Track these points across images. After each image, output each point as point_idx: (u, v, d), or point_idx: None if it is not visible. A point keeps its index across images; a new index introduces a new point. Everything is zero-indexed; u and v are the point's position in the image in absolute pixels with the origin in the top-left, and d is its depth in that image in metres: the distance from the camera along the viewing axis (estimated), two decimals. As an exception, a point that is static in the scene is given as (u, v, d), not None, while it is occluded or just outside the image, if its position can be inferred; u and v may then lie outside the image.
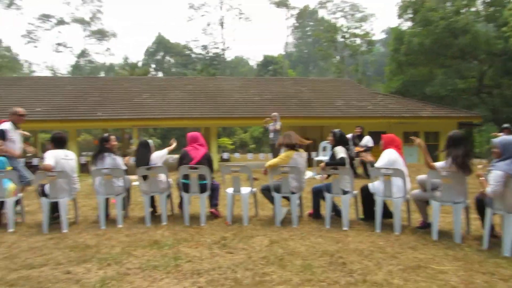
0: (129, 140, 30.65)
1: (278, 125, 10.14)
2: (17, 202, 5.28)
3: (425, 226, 4.73)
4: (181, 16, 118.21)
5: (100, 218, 5.08)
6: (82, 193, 7.30)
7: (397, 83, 24.29)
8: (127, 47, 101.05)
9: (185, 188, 5.16)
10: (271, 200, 5.19)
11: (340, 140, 5.24)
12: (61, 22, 55.50)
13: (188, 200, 5.18)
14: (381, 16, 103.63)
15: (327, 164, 4.95)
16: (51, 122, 14.81)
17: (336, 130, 5.29)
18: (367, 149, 9.59)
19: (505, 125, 10.70)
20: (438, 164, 4.35)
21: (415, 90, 23.83)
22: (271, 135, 10.20)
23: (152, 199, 5.53)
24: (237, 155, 19.88)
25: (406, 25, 25.15)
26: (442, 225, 4.86)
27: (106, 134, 5.46)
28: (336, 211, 5.25)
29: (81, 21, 56.19)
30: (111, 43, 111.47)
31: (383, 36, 71.18)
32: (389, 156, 4.65)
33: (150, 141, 5.60)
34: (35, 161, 9.78)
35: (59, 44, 57.63)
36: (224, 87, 20.31)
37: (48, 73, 54.47)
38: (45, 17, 54.61)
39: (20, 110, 6.23)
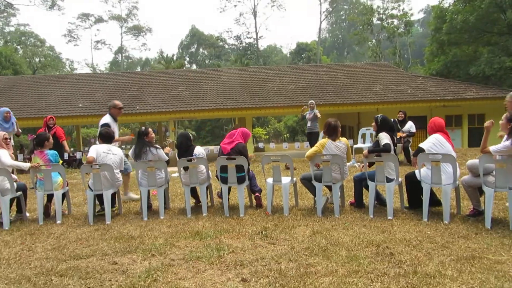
0: (165, 133, 31.44)
1: (317, 113, 9.93)
2: (64, 195, 5.48)
3: (476, 214, 4.45)
4: (214, 7, 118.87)
5: (142, 209, 5.18)
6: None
7: (439, 64, 23.11)
8: (162, 41, 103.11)
9: (223, 179, 5.15)
10: (312, 189, 5.07)
11: (383, 126, 5.00)
12: (99, 20, 57.34)
13: (227, 191, 5.16)
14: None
15: (370, 151, 4.75)
16: (92, 117, 15.36)
17: (379, 115, 5.06)
18: (410, 135, 9.28)
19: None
20: (493, 147, 4.03)
21: (458, 71, 22.62)
22: (309, 124, 10.01)
23: (194, 191, 5.57)
24: (272, 145, 19.78)
25: (448, 2, 23.85)
26: (495, 212, 4.56)
27: (143, 128, 5.53)
28: (380, 200, 5.06)
29: (118, 18, 57.65)
30: (147, 38, 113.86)
31: (421, 16, 68.32)
32: (437, 141, 4.39)
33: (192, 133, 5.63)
34: (78, 155, 10.18)
35: (98, 42, 59.67)
36: (258, 77, 20.23)
37: (88, 70, 56.69)
38: (84, 16, 56.64)
39: (118, 103, 6.33)
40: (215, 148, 12.79)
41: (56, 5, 44.25)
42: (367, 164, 4.93)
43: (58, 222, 5.10)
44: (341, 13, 72.96)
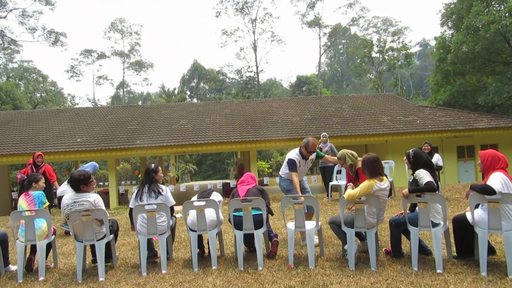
0: (167, 168, 30.72)
1: (329, 147, 9.29)
2: (49, 246, 4.70)
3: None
4: (215, 43, 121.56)
5: (141, 263, 4.38)
6: (121, 229, 6.69)
7: (445, 94, 22.72)
8: (164, 76, 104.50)
9: (237, 224, 4.41)
10: (342, 236, 4.31)
11: (417, 162, 4.24)
12: (101, 56, 57.99)
13: (242, 239, 4.40)
14: (414, 29, 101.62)
15: (411, 190, 4.01)
16: (91, 152, 14.71)
17: (410, 150, 4.35)
18: (438, 168, 8.40)
19: None
20: None
21: (465, 100, 22.21)
22: (323, 157, 9.30)
23: (200, 238, 4.80)
24: (278, 180, 19.00)
25: (450, 33, 23.77)
26: None
27: (152, 165, 4.82)
28: (421, 248, 4.28)
29: (120, 54, 58.37)
30: (148, 73, 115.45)
31: (417, 49, 69.35)
32: (503, 181, 3.66)
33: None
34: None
35: (100, 77, 60.04)
36: (261, 109, 19.77)
37: (89, 105, 56.70)
38: (87, 52, 57.34)
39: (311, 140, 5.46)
40: (218, 183, 12.07)
41: (59, 41, 44.57)
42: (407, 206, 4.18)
43: (41, 278, 4.31)
44: (339, 47, 74.22)
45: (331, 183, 9.36)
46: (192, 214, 4.51)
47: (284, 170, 5.68)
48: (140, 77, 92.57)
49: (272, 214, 4.81)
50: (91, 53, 57.51)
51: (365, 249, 4.38)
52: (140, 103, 64.67)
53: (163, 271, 4.31)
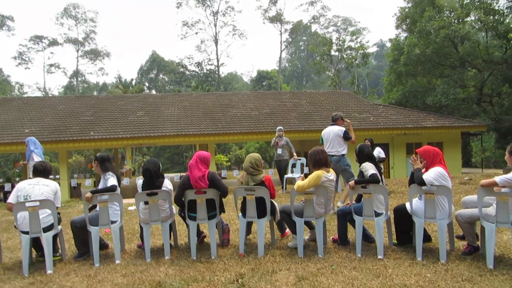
0: (122, 161, 29.84)
1: (285, 141, 9.54)
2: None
3: (472, 251, 4.04)
4: (175, 34, 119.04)
5: (93, 255, 4.32)
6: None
7: (397, 94, 23.87)
8: (121, 66, 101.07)
9: (191, 215, 4.46)
10: (291, 225, 4.48)
11: (361, 155, 4.70)
12: (53, 43, 54.99)
13: (195, 229, 4.46)
14: (372, 30, 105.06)
15: (357, 182, 4.27)
16: (41, 143, 14.04)
17: (361, 144, 4.65)
18: (380, 160, 9.11)
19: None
20: (502, 178, 3.57)
21: (415, 100, 23.46)
22: (279, 151, 9.52)
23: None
24: (235, 172, 19.14)
25: (404, 35, 24.93)
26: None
27: (105, 154, 4.80)
28: (364, 235, 4.55)
29: (74, 41, 55.71)
30: (105, 63, 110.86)
31: (374, 49, 71.93)
32: (439, 172, 3.97)
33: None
34: (7, 187, 9.03)
35: (51, 65, 56.95)
36: (221, 103, 19.75)
37: (39, 94, 53.77)
38: (37, 39, 54.16)
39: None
40: (175, 176, 11.95)
41: (5, 25, 41.85)
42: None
43: (-17, 272, 4.14)
44: (300, 43, 75.30)
45: (286, 176, 9.66)
46: (143, 206, 4.48)
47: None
48: (96, 66, 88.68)
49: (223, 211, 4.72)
50: (41, 39, 54.32)
51: (314, 238, 4.59)
52: (95, 93, 62.20)
53: (117, 261, 4.29)
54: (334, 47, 41.56)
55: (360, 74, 47.01)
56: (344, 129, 6.68)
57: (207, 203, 4.36)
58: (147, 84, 65.18)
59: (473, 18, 20.44)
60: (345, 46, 40.82)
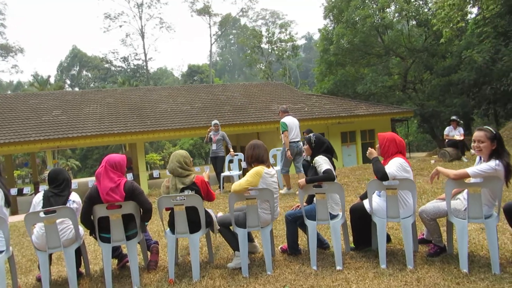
0: (44, 166, 26.92)
1: (221, 135, 8.67)
2: None
3: (439, 252, 3.53)
4: (97, 27, 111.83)
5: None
6: None
7: (329, 83, 24.11)
8: (39, 63, 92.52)
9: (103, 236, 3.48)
10: (233, 240, 3.67)
11: (318, 147, 3.87)
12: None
13: (109, 254, 3.48)
14: (300, 22, 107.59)
15: (308, 180, 3.56)
16: None
17: (311, 134, 3.95)
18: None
19: (453, 117, 10.41)
20: (473, 170, 3.06)
21: (346, 89, 23.87)
22: (214, 147, 8.61)
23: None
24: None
25: (332, 25, 25.17)
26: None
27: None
28: (319, 242, 3.89)
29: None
30: (18, 60, 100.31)
31: (303, 41, 73.51)
32: (402, 167, 3.39)
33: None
34: None
35: (-50, 62, 50.04)
36: (149, 98, 18.34)
37: None
38: None
39: None
40: (90, 181, 10.54)
41: None
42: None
43: None
44: (230, 37, 74.56)
45: (223, 174, 8.74)
46: (39, 228, 3.42)
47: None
48: (8, 63, 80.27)
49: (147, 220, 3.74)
50: None
51: (252, 250, 3.87)
52: (9, 93, 56.00)
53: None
54: (264, 40, 41.45)
55: (291, 66, 47.48)
56: None
57: (124, 219, 3.40)
58: (68, 82, 60.24)
59: (394, 7, 21.12)
60: (275, 38, 40.86)
